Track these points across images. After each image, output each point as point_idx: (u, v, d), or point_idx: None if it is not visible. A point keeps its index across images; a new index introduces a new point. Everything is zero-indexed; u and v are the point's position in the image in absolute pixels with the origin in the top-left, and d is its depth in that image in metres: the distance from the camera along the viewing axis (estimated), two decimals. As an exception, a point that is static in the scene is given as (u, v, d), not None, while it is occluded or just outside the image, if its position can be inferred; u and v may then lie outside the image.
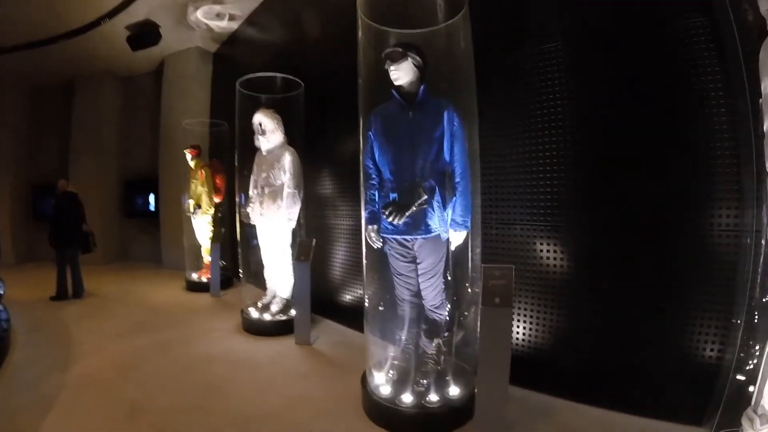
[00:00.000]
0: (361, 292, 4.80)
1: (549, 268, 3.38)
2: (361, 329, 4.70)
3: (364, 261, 3.30)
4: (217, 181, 7.05)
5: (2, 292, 5.05)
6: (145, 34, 7.65)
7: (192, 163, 6.95)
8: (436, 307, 3.15)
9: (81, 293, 6.50)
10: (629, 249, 3.05)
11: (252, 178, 5.10)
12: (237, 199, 5.33)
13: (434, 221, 2.95)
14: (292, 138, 5.01)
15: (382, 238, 3.13)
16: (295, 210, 4.82)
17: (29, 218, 10.70)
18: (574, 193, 3.26)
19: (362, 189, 3.18)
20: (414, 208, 2.91)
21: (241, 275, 5.52)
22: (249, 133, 5.00)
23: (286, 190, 4.77)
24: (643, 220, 2.99)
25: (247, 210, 5.00)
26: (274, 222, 4.83)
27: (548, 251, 3.39)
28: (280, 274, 5.09)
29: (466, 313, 3.31)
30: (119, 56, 8.95)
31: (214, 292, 6.59)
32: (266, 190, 4.84)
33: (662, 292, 2.92)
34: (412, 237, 3.01)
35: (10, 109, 10.37)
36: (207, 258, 7.12)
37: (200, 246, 7.24)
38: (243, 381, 3.68)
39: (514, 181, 3.54)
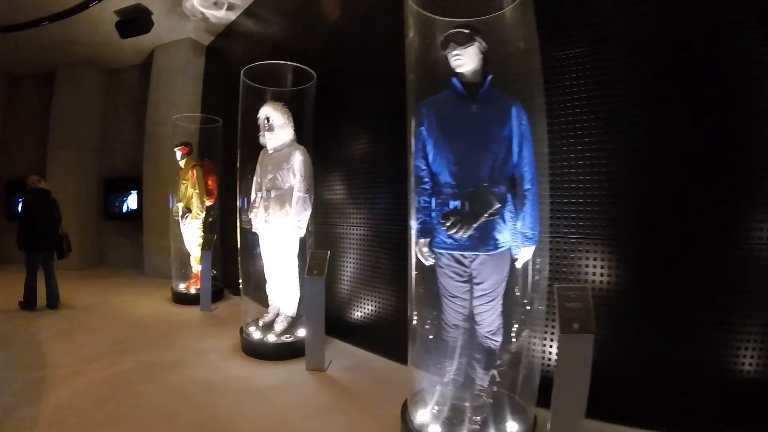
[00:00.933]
0: (373, 308, 4.43)
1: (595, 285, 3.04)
2: (375, 350, 4.42)
3: (412, 279, 2.81)
4: (209, 182, 6.41)
5: None
6: (135, 20, 7.01)
7: (182, 162, 6.30)
8: (492, 334, 2.72)
9: (56, 304, 5.87)
10: (684, 268, 2.82)
11: (255, 179, 4.53)
12: (238, 203, 4.66)
13: (503, 235, 2.52)
14: (299, 136, 4.48)
15: (434, 253, 2.64)
16: (305, 216, 4.27)
17: (0, 218, 9.82)
18: (623, 205, 2.98)
19: (412, 194, 2.71)
20: (483, 219, 2.41)
21: (240, 287, 4.85)
22: (253, 129, 4.44)
23: (296, 194, 4.22)
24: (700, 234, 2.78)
25: (250, 216, 4.38)
26: (281, 230, 4.27)
27: (594, 267, 3.05)
28: (285, 289, 4.49)
29: (513, 339, 2.88)
30: (105, 44, 8.35)
31: (205, 306, 5.95)
32: (272, 194, 4.27)
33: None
34: (473, 253, 2.53)
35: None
36: (196, 267, 6.46)
37: (188, 254, 6.55)
38: (249, 417, 3.12)
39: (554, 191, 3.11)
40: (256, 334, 4.38)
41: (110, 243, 9.78)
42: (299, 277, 4.45)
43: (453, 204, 2.49)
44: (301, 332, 4.38)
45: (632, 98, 2.94)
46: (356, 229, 4.63)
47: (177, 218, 6.40)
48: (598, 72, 3.02)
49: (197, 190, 6.12)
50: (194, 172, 6.14)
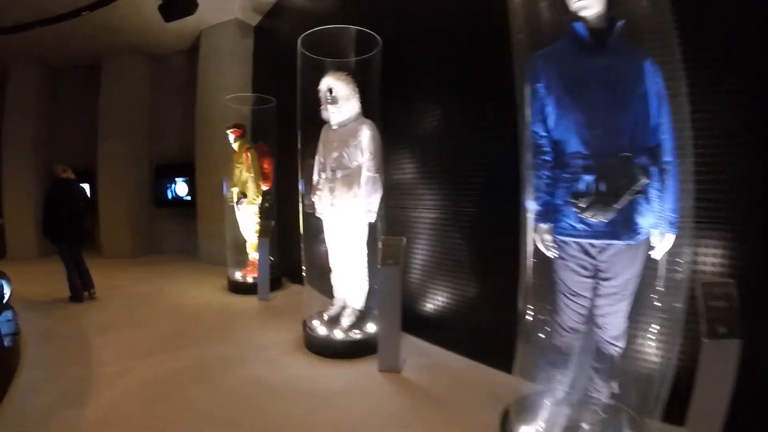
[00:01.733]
0: (448, 301, 3.99)
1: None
2: (452, 347, 3.89)
3: (528, 269, 2.38)
4: (264, 165, 6.04)
5: (8, 293, 4.10)
6: (179, 2, 6.62)
7: (235, 145, 5.95)
8: (616, 339, 2.26)
9: (90, 288, 5.67)
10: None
11: (317, 159, 4.12)
12: (300, 186, 4.23)
13: (646, 219, 2.01)
14: (364, 111, 4.00)
15: (557, 241, 2.16)
16: (375, 199, 3.83)
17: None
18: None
19: (529, 168, 2.21)
20: (627, 198, 1.90)
21: (303, 276, 4.49)
22: (313, 105, 4.01)
23: (366, 174, 3.77)
24: None
25: (313, 199, 3.95)
26: (348, 214, 3.83)
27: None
28: (352, 280, 4.07)
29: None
30: (149, 30, 8.15)
31: (263, 295, 5.60)
32: (338, 174, 3.84)
33: None
34: (606, 242, 2.04)
35: (30, 92, 9.56)
36: (253, 255, 6.12)
37: (244, 240, 6.21)
38: (317, 426, 2.73)
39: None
40: (320, 329, 3.97)
41: (163, 230, 9.68)
42: (368, 266, 4.02)
43: (586, 179, 1.98)
44: (371, 328, 3.97)
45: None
46: (427, 213, 4.15)
47: (232, 204, 6.06)
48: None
49: (252, 174, 5.77)
50: (248, 155, 5.78)
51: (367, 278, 4.09)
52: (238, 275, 6.25)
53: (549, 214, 2.12)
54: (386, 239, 3.59)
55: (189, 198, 9.00)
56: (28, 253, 8.81)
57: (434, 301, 4.10)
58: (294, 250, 6.20)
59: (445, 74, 3.97)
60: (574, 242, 2.12)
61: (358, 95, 3.87)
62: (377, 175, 3.79)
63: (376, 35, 4.02)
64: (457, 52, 3.83)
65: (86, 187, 9.18)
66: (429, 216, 4.13)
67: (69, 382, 3.30)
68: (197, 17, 7.35)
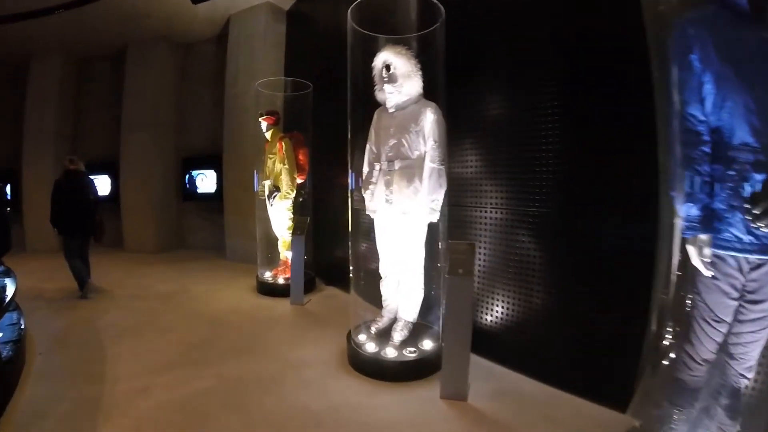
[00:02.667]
0: (516, 316, 3.41)
1: None
2: (523, 370, 3.30)
3: (670, 287, 2.01)
4: (300, 156, 5.50)
5: (12, 291, 3.71)
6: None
7: (267, 134, 5.42)
8: (749, 370, 1.90)
9: (85, 291, 5.34)
10: None
11: (368, 147, 3.58)
12: (350, 179, 3.67)
13: None
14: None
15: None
16: (440, 195, 3.26)
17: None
18: None
19: (680, 163, 1.77)
20: None
21: (350, 280, 3.92)
22: (365, 85, 3.45)
23: (429, 165, 3.21)
24: None
25: (364, 194, 3.39)
26: (408, 212, 3.27)
27: None
28: (406, 288, 3.50)
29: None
30: (176, 16, 7.74)
31: (296, 299, 5.07)
32: (396, 164, 3.29)
33: None
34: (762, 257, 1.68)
35: (53, 81, 9.19)
36: (284, 253, 5.60)
37: (276, 238, 5.69)
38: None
39: None
40: (368, 345, 3.39)
41: (189, 225, 9.22)
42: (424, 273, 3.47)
43: (757, 178, 1.59)
44: (427, 344, 3.43)
45: None
46: (491, 212, 3.57)
47: (263, 198, 5.53)
48: None
49: (286, 166, 5.23)
50: (282, 144, 5.24)
51: (423, 287, 3.50)
52: (268, 275, 5.73)
53: (709, 221, 1.70)
54: (455, 245, 3.02)
55: (215, 191, 8.46)
56: (47, 247, 8.39)
57: (500, 316, 3.51)
58: (329, 248, 5.70)
59: (519, 51, 3.36)
60: (732, 257, 1.70)
61: (420, 73, 3.28)
62: (442, 167, 3.22)
63: (439, 4, 3.39)
64: (535, 24, 3.24)
65: (107, 180, 8.85)
66: (493, 216, 3.55)
67: (76, 402, 2.84)
68: (227, 1, 6.91)
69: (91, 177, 5.65)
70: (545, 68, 3.17)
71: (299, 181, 5.47)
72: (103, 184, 9.29)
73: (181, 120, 9.08)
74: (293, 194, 5.32)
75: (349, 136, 3.59)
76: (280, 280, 5.53)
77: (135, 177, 8.61)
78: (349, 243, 3.78)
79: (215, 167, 8.37)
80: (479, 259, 3.62)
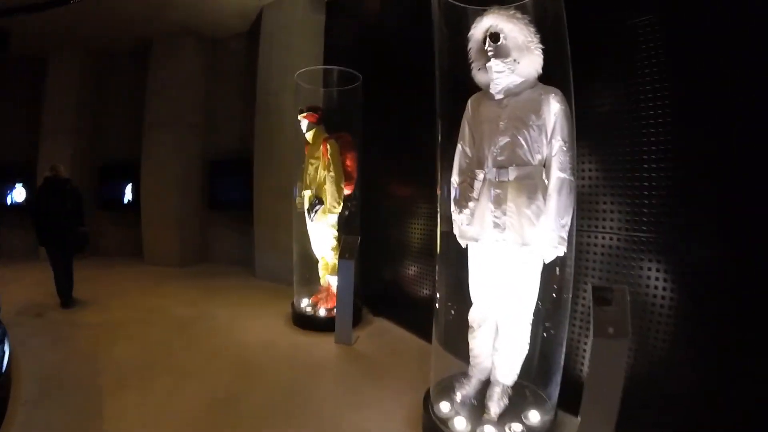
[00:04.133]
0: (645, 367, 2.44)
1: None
2: None
3: None
4: (348, 162, 4.58)
5: None
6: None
7: (308, 135, 4.52)
8: None
9: (69, 302, 5.13)
10: None
11: (461, 149, 2.68)
12: (438, 193, 2.72)
13: None
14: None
15: None
16: (569, 218, 2.31)
17: (92, 205, 8.70)
18: None
19: None
20: None
21: (433, 330, 2.95)
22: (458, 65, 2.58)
23: (559, 176, 2.29)
24: None
25: (457, 215, 2.46)
26: (531, 242, 2.36)
27: None
28: (510, 345, 2.56)
29: None
30: (204, 8, 7.01)
31: (343, 337, 4.16)
32: (511, 173, 2.36)
33: None
34: None
35: (71, 78, 8.51)
36: (327, 279, 4.68)
37: (316, 259, 4.78)
38: None
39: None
40: (458, 421, 2.41)
41: (216, 236, 8.38)
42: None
43: None
44: (533, 417, 2.50)
45: None
46: (605, 239, 2.66)
47: (301, 211, 4.64)
48: None
49: (332, 173, 4.33)
50: (327, 147, 4.35)
51: (529, 342, 2.54)
52: (305, 303, 4.80)
53: None
54: (601, 291, 2.02)
55: (245, 200, 7.60)
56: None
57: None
58: (378, 272, 4.82)
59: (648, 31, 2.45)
60: None
61: (540, 49, 2.33)
62: (573, 178, 2.25)
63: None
64: None
65: (128, 185, 8.10)
66: (605, 243, 2.70)
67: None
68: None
69: (74, 185, 5.28)
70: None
71: (346, 192, 4.54)
72: (121, 189, 8.55)
73: (208, 121, 8.28)
74: (339, 208, 4.41)
75: (439, 136, 2.68)
76: (322, 312, 4.58)
77: (157, 181, 7.84)
78: (436, 277, 2.85)
79: (245, 173, 7.50)
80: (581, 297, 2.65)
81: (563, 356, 2.55)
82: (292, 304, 4.88)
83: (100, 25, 7.54)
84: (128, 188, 8.58)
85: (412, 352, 3.96)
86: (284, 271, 6.23)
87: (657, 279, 2.44)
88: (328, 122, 4.68)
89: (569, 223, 2.29)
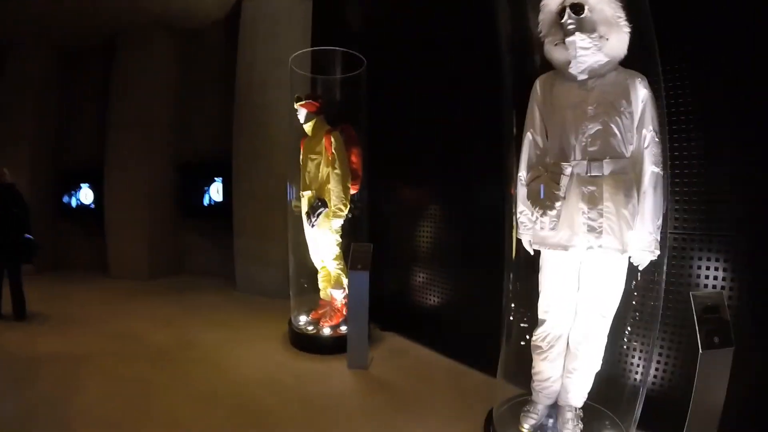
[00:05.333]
0: None
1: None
2: None
3: None
4: (352, 158, 4.02)
5: None
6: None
7: (308, 127, 3.96)
8: None
9: (23, 314, 4.78)
10: None
11: (530, 138, 2.30)
12: (513, 193, 2.36)
13: None
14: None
15: None
16: (662, 218, 2.04)
17: (52, 213, 8.00)
18: None
19: None
20: None
21: (500, 358, 2.58)
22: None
23: (653, 171, 2.03)
24: None
25: (539, 217, 2.16)
26: (629, 248, 2.05)
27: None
28: (586, 365, 2.25)
29: None
30: None
31: (357, 361, 3.57)
32: (606, 168, 2.05)
33: None
34: None
35: (30, 76, 7.63)
36: (332, 293, 4.06)
37: (315, 270, 4.20)
38: None
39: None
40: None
41: (189, 246, 7.66)
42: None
43: None
44: None
45: None
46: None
47: (298, 214, 4.05)
48: None
49: (337, 170, 3.75)
50: (331, 140, 3.76)
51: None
52: (303, 320, 4.19)
53: None
54: (701, 297, 1.94)
55: (222, 205, 6.93)
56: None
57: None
58: (386, 281, 4.27)
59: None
60: None
61: (628, 27, 2.00)
62: (664, 172, 2.03)
63: None
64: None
65: (88, 191, 7.31)
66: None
67: None
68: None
69: (16, 191, 4.86)
70: None
71: (352, 191, 3.97)
72: (83, 195, 7.73)
73: (180, 120, 7.55)
74: (346, 211, 3.83)
75: (514, 127, 2.35)
76: (326, 330, 3.98)
77: (123, 187, 7.07)
78: (508, 293, 2.49)
79: (223, 176, 6.83)
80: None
81: (652, 371, 2.40)
82: (290, 322, 4.25)
83: (62, 17, 6.78)
84: (90, 194, 7.72)
85: (440, 375, 3.47)
86: (269, 283, 5.70)
87: (716, 278, 2.27)
88: (327, 114, 4.11)
89: (659, 225, 2.04)
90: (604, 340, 2.22)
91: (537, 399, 2.41)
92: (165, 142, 7.35)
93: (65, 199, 7.98)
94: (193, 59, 7.58)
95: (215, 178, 7.03)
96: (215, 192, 7.08)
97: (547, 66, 2.25)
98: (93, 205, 7.76)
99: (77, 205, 7.93)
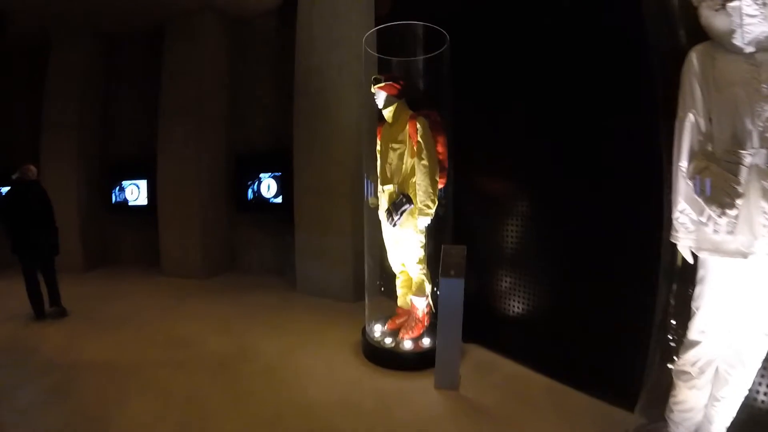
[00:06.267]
0: None
1: None
2: None
3: None
4: (439, 149, 3.53)
5: None
6: None
7: (388, 112, 3.52)
8: None
9: (60, 311, 4.81)
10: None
11: (692, 119, 1.92)
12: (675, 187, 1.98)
13: None
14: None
15: None
16: None
17: (102, 209, 7.86)
18: None
19: None
20: None
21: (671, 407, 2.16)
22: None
23: None
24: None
25: (714, 217, 1.80)
26: None
27: None
28: (740, 388, 2.00)
29: None
30: None
31: (446, 380, 3.15)
32: None
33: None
34: None
35: (76, 66, 7.44)
36: (413, 300, 3.62)
37: (392, 273, 3.78)
38: None
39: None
40: None
41: (245, 241, 7.35)
42: None
43: None
44: None
45: None
46: None
47: (374, 208, 3.63)
48: None
49: (424, 161, 3.27)
50: (417, 126, 3.28)
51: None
52: (379, 331, 3.75)
53: None
54: None
55: (281, 199, 6.57)
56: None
57: None
58: (469, 284, 3.75)
59: None
60: None
61: None
62: None
63: None
64: None
65: (143, 185, 7.09)
66: None
67: None
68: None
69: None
70: None
71: (439, 185, 3.49)
72: (136, 191, 7.54)
73: (234, 110, 7.24)
74: (434, 207, 3.34)
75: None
76: (406, 343, 3.53)
77: (176, 180, 6.83)
78: (664, 307, 2.21)
79: (280, 168, 6.47)
80: None
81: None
82: (363, 331, 3.83)
83: (108, 4, 6.57)
84: (143, 188, 7.52)
85: (540, 397, 3.02)
86: (333, 283, 5.34)
87: None
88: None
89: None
90: (759, 364, 1.95)
91: (675, 430, 2.13)
92: (218, 133, 7.06)
93: (115, 191, 7.81)
94: (246, 48, 7.23)
95: (273, 170, 6.66)
96: (269, 185, 6.72)
97: (699, 35, 1.91)
98: (144, 199, 7.54)
99: (125, 198, 7.74)
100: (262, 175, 6.80)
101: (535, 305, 3.45)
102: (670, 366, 2.14)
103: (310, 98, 5.67)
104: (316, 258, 5.59)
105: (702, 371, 2.01)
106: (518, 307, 3.57)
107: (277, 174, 6.62)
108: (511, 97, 3.53)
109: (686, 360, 2.03)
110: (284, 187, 6.46)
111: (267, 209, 6.82)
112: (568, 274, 3.20)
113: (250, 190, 6.95)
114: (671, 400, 2.14)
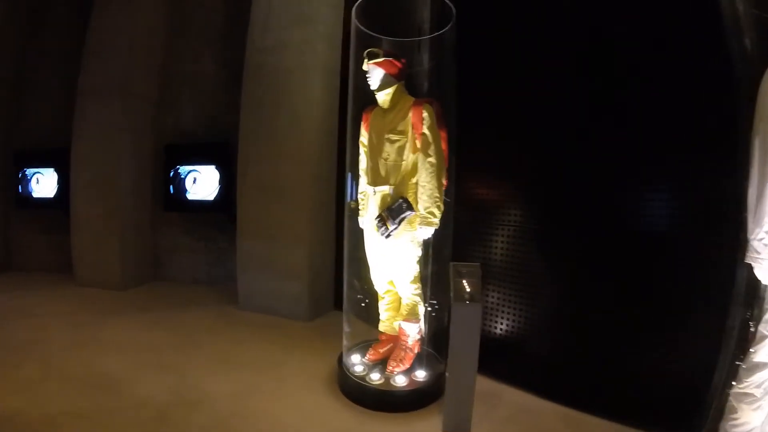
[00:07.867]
0: None
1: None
2: None
3: None
4: (442, 145, 2.95)
5: None
6: None
7: (384, 95, 2.94)
8: None
9: None
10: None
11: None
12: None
13: None
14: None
15: None
16: None
17: (9, 204, 6.70)
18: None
19: None
20: None
21: None
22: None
23: None
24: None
25: None
26: None
27: None
28: None
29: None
30: None
31: (457, 422, 2.65)
32: None
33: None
34: None
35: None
36: (403, 327, 3.06)
37: (374, 293, 3.25)
38: None
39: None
40: None
41: (172, 246, 6.39)
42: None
43: None
44: None
45: None
46: None
47: (357, 214, 3.06)
48: None
49: (431, 157, 2.72)
50: (423, 115, 2.72)
51: None
52: (359, 365, 3.13)
53: None
54: None
55: (214, 198, 5.75)
56: None
57: None
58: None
59: None
60: None
61: None
62: None
63: None
64: None
65: (52, 175, 6.08)
66: None
67: None
68: None
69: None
70: None
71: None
72: (46, 182, 6.42)
73: (166, 90, 6.26)
74: (440, 216, 2.79)
75: None
76: (399, 379, 2.94)
77: (93, 172, 5.78)
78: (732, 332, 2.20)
79: (219, 161, 5.65)
80: None
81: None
82: (339, 361, 3.20)
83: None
84: (54, 181, 6.40)
85: (560, 427, 2.65)
86: (283, 299, 4.72)
87: None
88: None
89: None
90: None
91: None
92: (146, 117, 6.11)
93: (20, 185, 6.62)
94: (188, 21, 6.29)
95: (209, 163, 5.82)
96: (204, 181, 5.87)
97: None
98: (55, 194, 6.42)
99: (33, 192, 6.59)
100: (196, 168, 5.93)
101: (543, 327, 3.13)
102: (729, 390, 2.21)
103: (263, 82, 4.94)
104: (263, 269, 4.85)
105: (766, 392, 2.11)
106: (520, 329, 3.14)
107: (215, 168, 5.77)
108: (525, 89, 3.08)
109: (751, 382, 2.12)
110: (224, 184, 5.66)
111: (200, 209, 5.95)
112: (581, 293, 2.86)
113: (180, 186, 6.04)
114: (731, 422, 2.19)
